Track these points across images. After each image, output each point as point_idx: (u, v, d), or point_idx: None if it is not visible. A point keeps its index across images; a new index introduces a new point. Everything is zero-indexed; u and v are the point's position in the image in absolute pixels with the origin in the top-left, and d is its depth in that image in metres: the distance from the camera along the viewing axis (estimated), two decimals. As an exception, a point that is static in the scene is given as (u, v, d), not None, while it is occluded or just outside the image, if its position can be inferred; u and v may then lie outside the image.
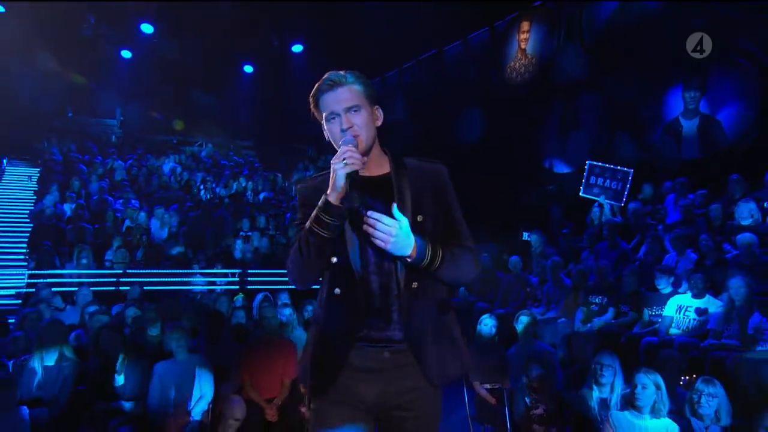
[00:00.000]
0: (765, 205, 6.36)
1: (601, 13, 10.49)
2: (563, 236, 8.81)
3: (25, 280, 9.40)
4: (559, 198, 9.75)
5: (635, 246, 7.70)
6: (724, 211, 7.06)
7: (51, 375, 4.35)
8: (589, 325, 6.56)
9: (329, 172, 1.94)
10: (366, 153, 1.94)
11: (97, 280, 9.18)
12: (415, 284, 1.93)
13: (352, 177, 1.84)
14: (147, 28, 16.52)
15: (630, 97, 9.92)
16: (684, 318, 5.64)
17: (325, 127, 2.00)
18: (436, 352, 1.97)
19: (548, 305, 7.37)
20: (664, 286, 6.13)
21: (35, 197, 13.26)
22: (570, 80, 11.13)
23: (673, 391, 4.07)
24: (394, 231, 1.78)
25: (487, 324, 5.42)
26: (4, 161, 14.92)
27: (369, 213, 1.82)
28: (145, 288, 7.71)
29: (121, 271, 9.51)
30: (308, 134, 16.08)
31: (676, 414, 3.58)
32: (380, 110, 2.05)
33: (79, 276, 9.28)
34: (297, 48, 17.43)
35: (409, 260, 1.86)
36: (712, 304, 5.50)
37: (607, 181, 8.71)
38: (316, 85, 1.99)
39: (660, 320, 5.83)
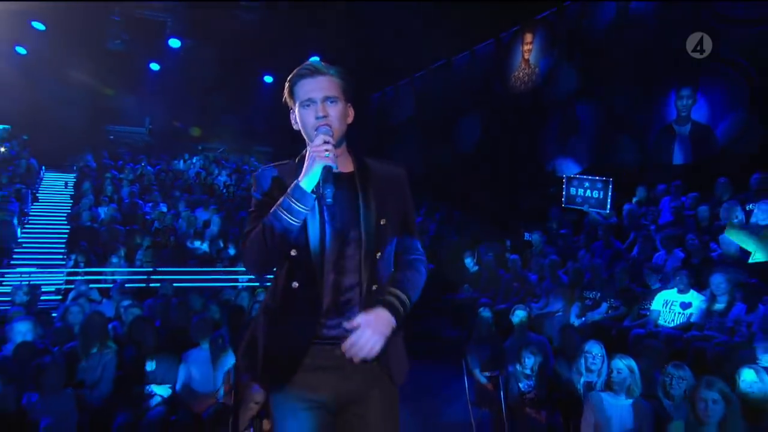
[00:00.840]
0: (748, 207, 6.52)
1: (598, 26, 10.70)
2: (561, 236, 8.99)
3: (65, 278, 9.79)
4: (559, 200, 9.94)
5: (629, 245, 7.88)
6: (711, 213, 7.22)
7: (93, 361, 4.66)
8: (583, 318, 6.78)
9: (288, 163, 1.94)
10: (336, 147, 1.86)
11: (129, 277, 9.52)
12: (374, 287, 1.88)
13: (329, 169, 1.78)
14: (174, 43, 16.96)
15: (625, 105, 10.11)
16: (670, 312, 5.83)
17: (297, 112, 1.90)
18: (393, 352, 1.91)
19: (546, 300, 7.59)
20: (653, 282, 6.34)
21: (72, 201, 13.61)
22: (570, 89, 11.31)
23: (654, 377, 4.28)
24: (369, 343, 1.74)
25: (483, 317, 5.68)
26: (42, 169, 15.38)
27: (348, 346, 1.76)
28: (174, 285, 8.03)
29: (151, 269, 9.84)
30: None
31: (651, 396, 3.81)
32: (352, 109, 1.97)
33: (113, 273, 9.66)
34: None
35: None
36: (696, 299, 5.68)
37: (587, 191, 8.97)
38: (296, 70, 1.90)
39: (648, 314, 6.05)
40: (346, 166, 1.95)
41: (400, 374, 1.95)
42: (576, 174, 10.59)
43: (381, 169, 1.97)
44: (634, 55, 9.82)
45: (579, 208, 9.21)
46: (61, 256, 11.05)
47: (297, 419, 1.87)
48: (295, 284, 1.87)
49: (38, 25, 15.08)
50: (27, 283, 8.36)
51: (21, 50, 16.12)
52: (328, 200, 1.77)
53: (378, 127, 18.14)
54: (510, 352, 5.48)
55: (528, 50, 12.48)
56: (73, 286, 7.87)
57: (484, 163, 13.31)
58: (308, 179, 1.78)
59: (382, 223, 1.88)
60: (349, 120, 1.94)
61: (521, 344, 5.39)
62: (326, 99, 1.85)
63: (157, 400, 4.73)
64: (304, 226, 1.84)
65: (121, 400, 4.54)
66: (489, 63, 14.00)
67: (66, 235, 11.59)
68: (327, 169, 1.76)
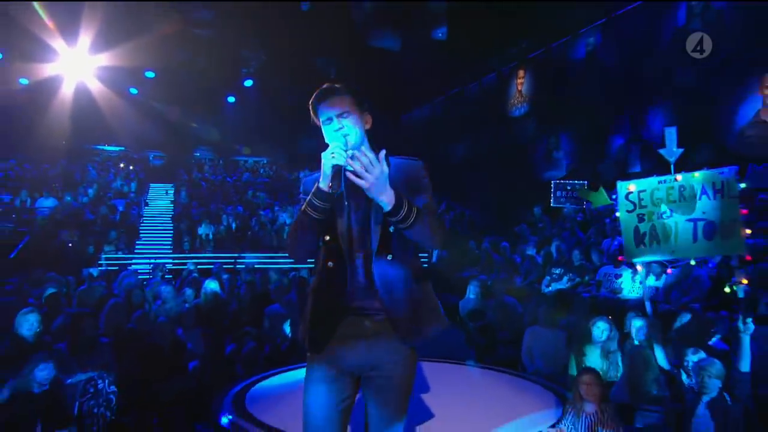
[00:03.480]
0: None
1: (573, 64, 11.59)
2: (539, 229, 10.09)
3: (173, 260, 11.07)
4: (543, 200, 10.83)
5: (590, 234, 8.95)
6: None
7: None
8: (551, 287, 7.94)
9: None
10: (356, 148, 1.81)
11: (225, 259, 10.85)
12: (389, 256, 1.86)
13: (338, 168, 1.76)
14: (248, 83, 17.98)
15: (596, 125, 10.87)
16: (607, 281, 6.97)
17: (323, 130, 1.92)
18: (412, 317, 1.88)
19: (526, 276, 8.76)
20: (597, 260, 7.47)
21: (172, 205, 14.84)
22: (552, 114, 12.08)
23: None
24: (377, 171, 1.67)
25: (471, 290, 6.95)
26: (150, 184, 16.78)
27: (359, 151, 1.71)
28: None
29: (237, 254, 11.17)
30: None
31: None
32: (369, 116, 1.96)
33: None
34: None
35: (388, 207, 1.73)
36: (625, 271, 6.81)
37: (568, 192, 9.94)
38: (314, 96, 1.92)
39: (593, 282, 7.21)
40: None
41: (417, 337, 1.92)
42: (560, 179, 11.62)
43: (399, 162, 1.93)
44: (599, 86, 10.64)
45: (563, 206, 10.18)
46: (169, 246, 12.33)
47: (326, 381, 1.89)
48: (330, 264, 1.89)
49: (150, 74, 16.38)
50: (155, 263, 9.87)
51: (133, 91, 17.40)
52: (340, 190, 1.80)
53: (408, 140, 18.97)
54: (491, 312, 6.76)
55: (521, 83, 13.23)
56: (186, 266, 9.34)
57: (489, 171, 13.81)
58: (323, 178, 1.79)
59: None
60: (367, 126, 1.95)
61: (494, 306, 6.68)
62: (340, 115, 1.86)
63: (250, 337, 6.19)
64: (333, 216, 1.87)
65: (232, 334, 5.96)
66: (492, 92, 14.60)
67: (171, 231, 13.00)
68: (336, 168, 1.76)
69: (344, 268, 1.87)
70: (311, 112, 1.94)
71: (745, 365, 3.09)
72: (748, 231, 3.77)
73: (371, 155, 1.69)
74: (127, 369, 4.40)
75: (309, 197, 1.83)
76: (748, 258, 3.84)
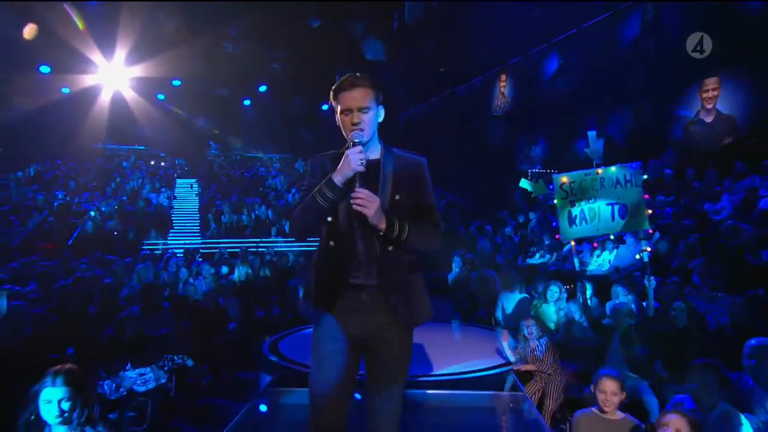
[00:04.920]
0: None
1: (548, 70, 12.10)
2: (519, 212, 10.81)
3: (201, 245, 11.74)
4: (520, 189, 11.44)
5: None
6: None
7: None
8: (525, 263, 8.71)
9: (334, 153, 1.88)
10: (369, 141, 1.83)
11: (252, 244, 11.37)
12: (390, 248, 1.85)
13: (356, 173, 1.76)
14: (262, 88, 18.51)
15: (566, 124, 11.38)
16: (571, 256, 7.72)
17: (339, 116, 1.85)
18: (405, 301, 1.88)
19: (506, 255, 9.52)
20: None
21: (197, 198, 15.50)
22: (528, 114, 12.58)
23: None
24: (376, 204, 1.73)
25: (456, 263, 7.73)
26: (175, 176, 17.55)
27: (358, 189, 1.74)
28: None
29: (258, 240, 11.84)
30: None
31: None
32: (383, 109, 1.90)
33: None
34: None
35: (381, 232, 1.79)
36: (586, 248, 7.56)
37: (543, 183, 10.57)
38: (339, 81, 1.84)
39: (560, 258, 7.97)
40: (374, 153, 1.90)
41: (411, 319, 1.91)
42: (536, 171, 12.29)
43: (403, 156, 1.92)
44: (570, 90, 11.19)
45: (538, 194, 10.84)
46: (197, 232, 12.99)
47: (334, 345, 1.89)
48: (332, 243, 1.87)
49: (176, 82, 17.00)
50: (188, 247, 10.62)
51: (161, 96, 17.97)
52: (350, 186, 1.78)
53: (406, 138, 19.48)
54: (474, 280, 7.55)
55: (503, 85, 13.72)
56: (217, 250, 10.12)
57: (476, 164, 14.24)
58: (340, 176, 1.77)
59: (396, 198, 1.84)
60: (380, 119, 1.89)
61: (479, 276, 7.46)
62: (360, 109, 1.81)
63: (276, 305, 6.95)
64: (338, 202, 1.83)
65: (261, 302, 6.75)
66: (479, 93, 15.02)
67: (198, 220, 13.73)
68: (356, 173, 1.76)
69: (344, 249, 1.86)
70: (331, 97, 1.87)
71: (650, 310, 3.87)
72: (650, 211, 4.53)
73: (366, 192, 1.74)
74: (183, 327, 5.20)
75: (321, 187, 1.80)
76: (650, 231, 4.59)
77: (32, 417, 1.89)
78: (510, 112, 13.48)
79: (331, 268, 1.88)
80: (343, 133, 1.85)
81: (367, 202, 1.73)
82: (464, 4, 12.79)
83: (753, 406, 2.41)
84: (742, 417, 2.17)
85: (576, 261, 6.86)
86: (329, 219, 1.85)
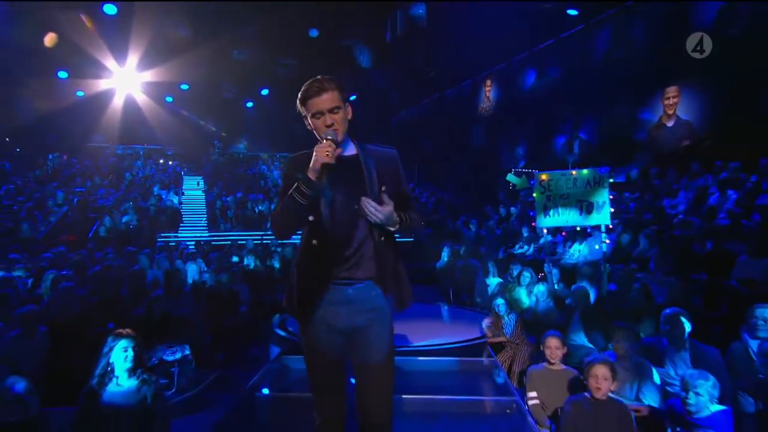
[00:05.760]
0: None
1: (527, 78, 12.57)
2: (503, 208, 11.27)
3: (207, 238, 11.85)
4: (506, 184, 11.90)
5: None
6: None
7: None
8: (508, 253, 9.19)
9: (307, 153, 1.83)
10: (341, 139, 1.83)
11: (252, 237, 11.77)
12: (382, 238, 1.85)
13: (325, 165, 1.74)
14: (264, 91, 18.74)
15: (545, 127, 11.90)
16: (547, 247, 8.23)
17: (310, 121, 1.83)
18: (395, 285, 1.90)
19: (489, 246, 10.00)
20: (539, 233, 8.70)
21: (203, 194, 15.66)
22: (511, 117, 12.99)
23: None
24: (386, 211, 1.76)
25: (444, 252, 8.21)
26: (183, 174, 17.80)
27: (365, 200, 1.76)
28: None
29: (262, 233, 12.07)
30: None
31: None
32: (350, 108, 1.88)
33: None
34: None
35: (392, 228, 1.82)
36: (559, 240, 8.06)
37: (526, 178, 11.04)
38: (304, 88, 1.81)
39: (537, 248, 8.47)
40: (350, 150, 1.90)
41: (400, 303, 1.92)
42: (518, 169, 12.74)
43: (378, 150, 1.93)
44: (548, 95, 11.63)
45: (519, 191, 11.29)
46: (204, 226, 13.22)
47: (321, 340, 1.88)
48: (314, 242, 1.83)
49: (184, 86, 17.20)
50: (197, 239, 10.99)
51: (169, 99, 18.18)
52: (325, 182, 1.77)
53: (398, 139, 19.83)
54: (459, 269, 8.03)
55: (488, 90, 14.12)
56: (229, 242, 10.47)
57: (463, 162, 14.67)
58: (312, 172, 1.75)
59: (383, 189, 1.84)
60: (349, 117, 1.88)
61: (463, 265, 7.95)
62: (331, 110, 1.80)
63: (281, 291, 7.39)
64: (317, 199, 1.81)
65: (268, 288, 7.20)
66: (467, 97, 15.35)
67: (206, 214, 13.97)
68: (325, 165, 1.74)
69: (328, 245, 1.82)
70: (299, 104, 1.84)
71: (603, 291, 4.39)
72: (612, 209, 5.06)
73: (373, 203, 1.76)
74: (201, 309, 5.65)
75: (297, 185, 1.77)
76: (610, 227, 5.12)
77: (108, 368, 2.36)
78: (494, 114, 13.88)
79: (316, 267, 1.85)
80: (316, 136, 1.85)
81: (378, 212, 1.76)
82: (453, 14, 13.16)
83: (665, 361, 2.91)
84: (652, 368, 2.68)
85: (548, 251, 7.42)
86: (310, 218, 1.82)
